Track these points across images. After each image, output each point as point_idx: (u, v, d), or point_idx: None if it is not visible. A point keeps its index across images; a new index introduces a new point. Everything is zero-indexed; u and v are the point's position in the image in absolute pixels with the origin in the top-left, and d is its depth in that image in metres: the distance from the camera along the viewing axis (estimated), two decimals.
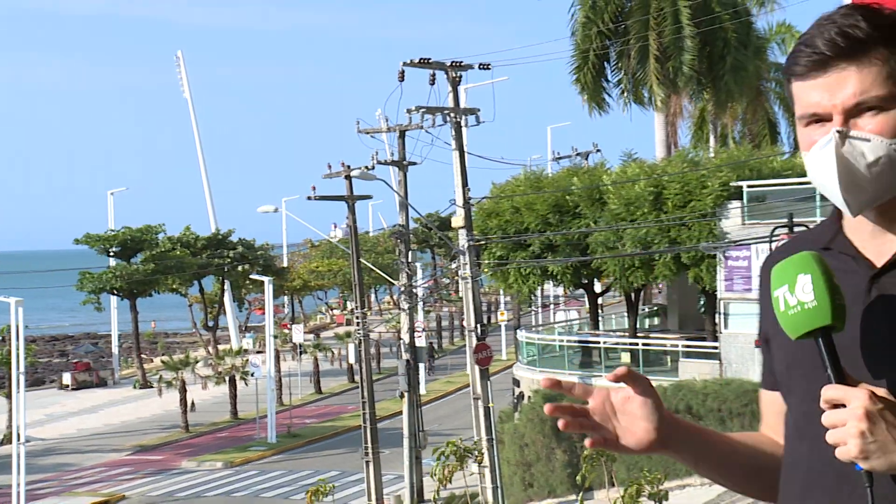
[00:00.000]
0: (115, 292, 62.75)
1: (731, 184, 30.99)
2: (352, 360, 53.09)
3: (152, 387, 55.11)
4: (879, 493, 1.75)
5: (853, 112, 1.81)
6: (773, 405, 2.09)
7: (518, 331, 42.69)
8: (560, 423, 1.92)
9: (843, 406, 1.73)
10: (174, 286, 62.32)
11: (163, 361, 52.11)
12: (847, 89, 1.81)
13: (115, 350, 72.33)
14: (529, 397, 32.63)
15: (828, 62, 1.81)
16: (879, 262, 1.89)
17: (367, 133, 32.94)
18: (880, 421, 1.70)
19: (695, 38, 38.70)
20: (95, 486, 39.20)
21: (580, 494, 21.41)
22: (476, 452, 24.79)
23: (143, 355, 66.75)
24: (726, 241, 30.28)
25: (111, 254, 63.28)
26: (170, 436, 48.03)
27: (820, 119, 1.84)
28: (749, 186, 31.05)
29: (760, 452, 2.07)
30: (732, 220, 30.80)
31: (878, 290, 1.86)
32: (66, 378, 65.66)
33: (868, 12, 1.84)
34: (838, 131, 1.80)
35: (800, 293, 1.79)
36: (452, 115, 29.46)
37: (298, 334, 57.16)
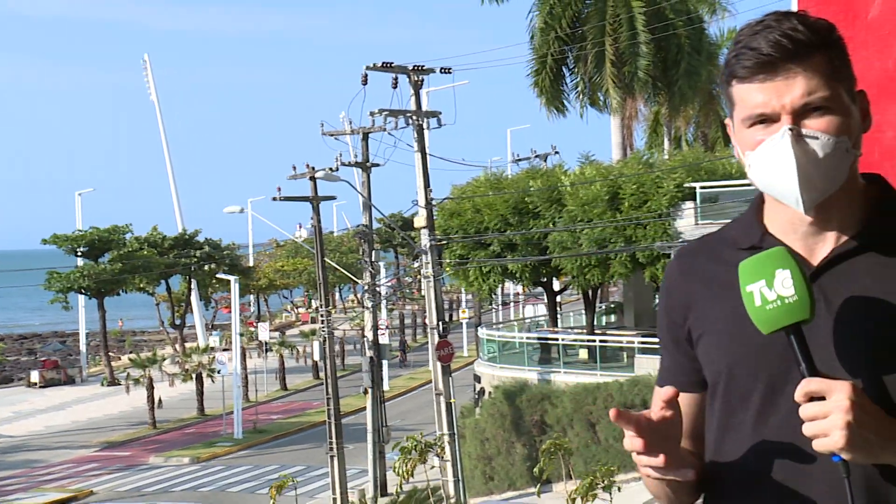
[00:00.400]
0: (83, 291, 62.18)
1: (685, 185, 31.18)
2: (316, 357, 52.88)
3: (120, 384, 54.73)
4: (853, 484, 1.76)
5: (800, 112, 1.82)
6: (682, 406, 2.00)
7: (479, 328, 42.75)
8: (637, 445, 1.84)
9: (821, 399, 1.72)
10: (142, 285, 61.86)
11: (130, 359, 51.73)
12: (795, 90, 1.82)
13: (83, 348, 71.70)
14: (490, 393, 32.67)
15: (775, 64, 1.82)
16: (814, 262, 1.89)
17: (332, 135, 32.86)
18: (863, 412, 1.70)
19: (650, 44, 38.93)
20: (63, 482, 38.85)
21: (538, 486, 21.47)
22: (437, 447, 24.80)
23: (110, 353, 66.21)
24: (680, 240, 30.45)
25: (79, 254, 62.68)
26: (137, 432, 47.68)
27: (765, 120, 1.85)
28: (702, 187, 31.26)
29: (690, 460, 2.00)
30: (686, 220, 30.99)
31: (818, 289, 1.85)
32: (35, 376, 64.98)
33: (801, 18, 1.87)
34: (791, 129, 1.81)
35: (779, 288, 1.78)
36: (414, 117, 29.45)
37: (264, 332, 56.91)
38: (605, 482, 15.39)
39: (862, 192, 1.93)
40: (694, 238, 2.07)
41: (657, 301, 35.97)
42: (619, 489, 17.59)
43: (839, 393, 1.70)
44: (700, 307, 1.98)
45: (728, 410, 1.94)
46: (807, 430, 1.73)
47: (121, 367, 57.43)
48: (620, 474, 23.02)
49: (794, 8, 2.54)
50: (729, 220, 2.07)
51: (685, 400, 2.01)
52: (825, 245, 1.91)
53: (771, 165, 1.84)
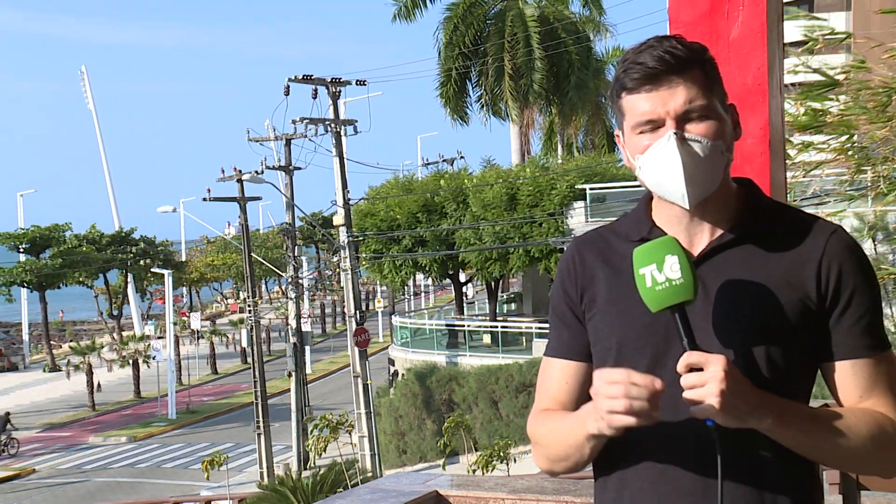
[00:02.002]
0: (26, 285, 60.67)
1: (576, 186, 31.51)
2: (244, 343, 52.37)
3: (61, 370, 53.46)
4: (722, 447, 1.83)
5: (682, 119, 1.87)
6: (575, 375, 2.06)
7: (393, 316, 42.71)
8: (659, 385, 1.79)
9: (700, 370, 1.76)
10: (81, 279, 60.55)
11: (71, 347, 50.56)
12: (678, 99, 1.87)
13: (25, 337, 69.95)
14: (403, 375, 32.68)
15: (659, 76, 1.87)
16: (694, 252, 1.94)
17: (257, 141, 32.50)
18: (735, 382, 1.75)
19: (543, 60, 39.22)
20: (7, 462, 37.86)
21: (444, 459, 21.59)
22: (347, 424, 24.79)
23: (52, 342, 64.70)
24: (572, 236, 30.79)
25: (21, 250, 61.21)
26: (78, 414, 46.67)
27: (652, 126, 1.89)
28: (591, 189, 31.62)
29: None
30: (577, 218, 31.32)
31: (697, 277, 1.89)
32: None
33: (678, 39, 1.92)
34: (675, 133, 1.86)
35: (668, 271, 1.82)
36: (333, 125, 29.27)
37: (196, 321, 56.12)
38: (502, 454, 15.62)
39: (734, 193, 1.99)
40: (589, 230, 2.10)
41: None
42: (514, 460, 17.76)
43: (715, 365, 1.75)
44: (594, 289, 2.02)
45: None
46: (687, 396, 1.77)
47: (62, 355, 56.12)
48: (521, 446, 23.23)
49: (667, 29, 2.59)
50: (615, 217, 2.10)
51: (580, 369, 2.06)
52: (703, 237, 1.96)
53: (659, 166, 1.88)
